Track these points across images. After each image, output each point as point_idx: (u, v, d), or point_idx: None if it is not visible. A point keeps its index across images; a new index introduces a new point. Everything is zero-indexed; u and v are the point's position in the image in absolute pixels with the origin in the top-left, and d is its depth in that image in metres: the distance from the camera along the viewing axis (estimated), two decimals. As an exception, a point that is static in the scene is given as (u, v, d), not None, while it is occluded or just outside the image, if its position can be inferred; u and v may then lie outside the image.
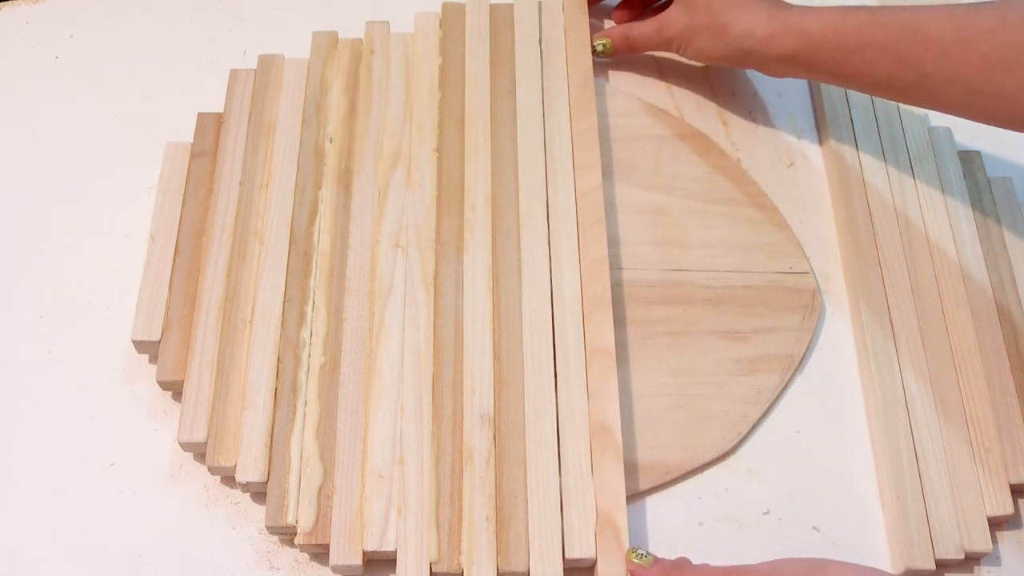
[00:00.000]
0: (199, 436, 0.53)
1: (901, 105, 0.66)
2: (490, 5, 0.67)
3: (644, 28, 0.65)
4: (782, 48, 0.58)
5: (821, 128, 0.67)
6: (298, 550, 0.53)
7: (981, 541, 0.53)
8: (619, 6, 0.69)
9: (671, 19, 0.63)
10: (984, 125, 0.55)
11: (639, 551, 0.50)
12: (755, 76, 0.69)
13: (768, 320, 0.59)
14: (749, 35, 0.59)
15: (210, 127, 0.63)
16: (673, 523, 0.54)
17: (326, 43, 0.65)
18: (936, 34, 0.53)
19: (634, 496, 0.54)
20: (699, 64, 0.69)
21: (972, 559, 0.54)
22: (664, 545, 0.53)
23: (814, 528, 0.54)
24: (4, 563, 0.53)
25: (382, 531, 0.51)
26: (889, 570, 0.53)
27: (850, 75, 0.57)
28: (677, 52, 0.65)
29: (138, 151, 0.64)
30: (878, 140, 0.65)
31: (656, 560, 0.50)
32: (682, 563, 0.50)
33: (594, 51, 0.66)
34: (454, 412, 0.54)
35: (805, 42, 0.57)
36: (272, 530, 0.52)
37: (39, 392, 0.57)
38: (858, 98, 0.66)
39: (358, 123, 0.62)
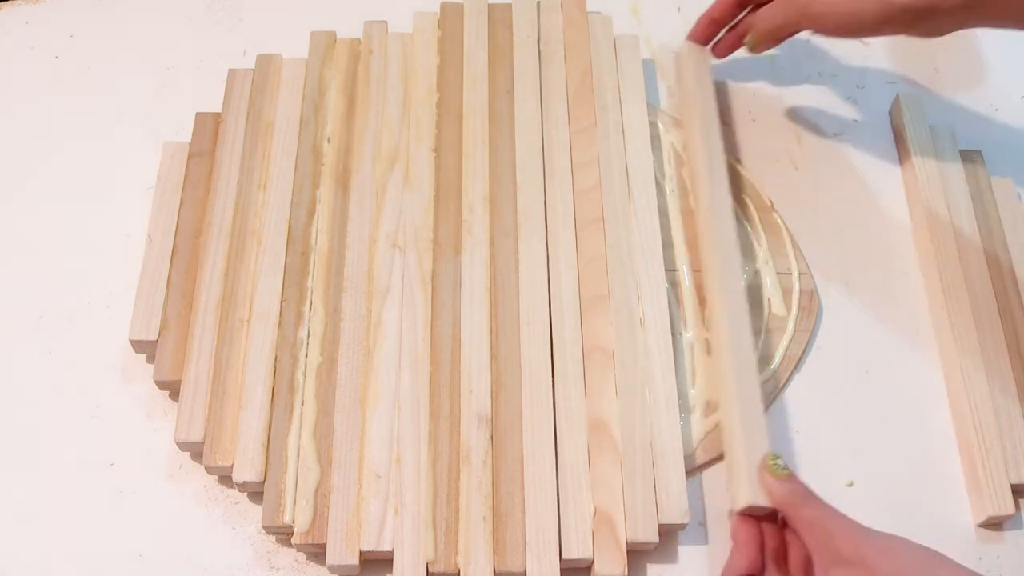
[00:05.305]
0: (196, 436, 0.53)
1: (903, 104, 0.66)
2: (488, 5, 0.67)
3: (773, 6, 0.59)
4: None
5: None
6: (297, 550, 0.53)
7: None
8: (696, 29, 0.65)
9: None
10: (985, 124, 0.54)
11: (780, 461, 0.48)
12: (754, 76, 0.69)
13: (766, 320, 0.59)
14: None
15: (208, 127, 0.63)
16: (672, 523, 0.54)
17: (324, 43, 0.65)
18: None
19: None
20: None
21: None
22: (665, 544, 0.53)
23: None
24: (4, 563, 0.53)
25: (379, 531, 0.51)
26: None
27: None
28: (810, 27, 0.57)
29: (138, 151, 0.65)
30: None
31: (792, 476, 0.48)
32: (808, 494, 0.47)
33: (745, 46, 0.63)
34: (451, 412, 0.54)
35: None
36: (269, 530, 0.52)
37: (39, 392, 0.57)
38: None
39: (356, 123, 0.62)
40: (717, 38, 0.65)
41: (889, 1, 0.53)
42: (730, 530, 0.49)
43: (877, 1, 0.53)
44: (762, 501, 0.49)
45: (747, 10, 0.63)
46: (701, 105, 0.63)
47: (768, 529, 0.49)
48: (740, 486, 0.50)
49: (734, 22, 0.64)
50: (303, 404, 0.54)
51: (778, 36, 0.60)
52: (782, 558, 0.48)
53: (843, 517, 0.46)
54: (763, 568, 0.48)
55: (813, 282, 0.61)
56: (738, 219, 0.63)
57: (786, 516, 0.48)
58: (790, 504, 0.47)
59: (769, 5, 0.60)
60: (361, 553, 0.51)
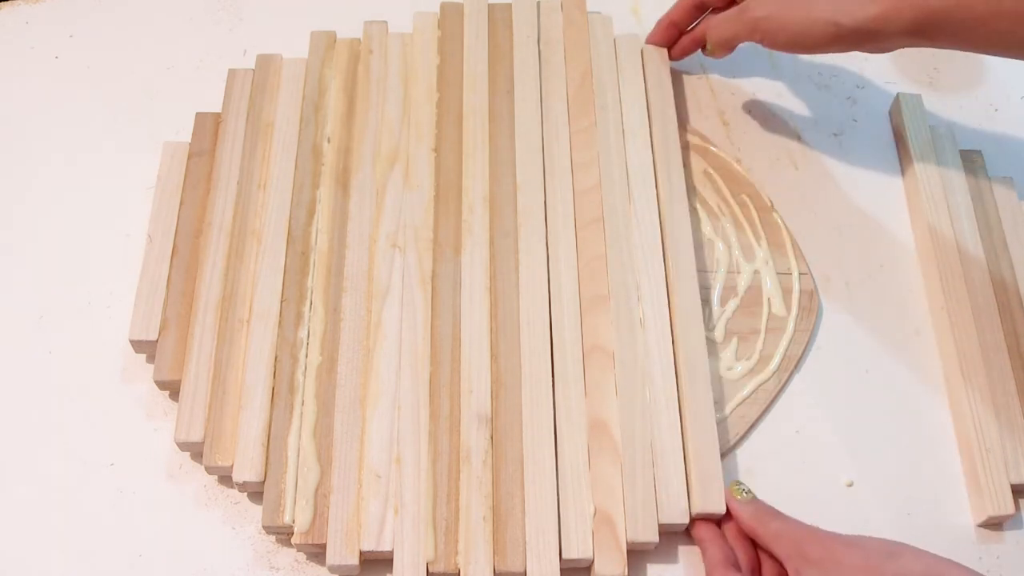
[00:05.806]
0: (196, 436, 0.53)
1: (902, 104, 0.66)
2: (488, 5, 0.67)
3: (727, 15, 0.60)
4: (899, 25, 0.53)
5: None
6: (297, 550, 0.53)
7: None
8: (655, 32, 0.66)
9: (756, 2, 0.58)
10: (985, 124, 0.54)
11: (743, 486, 0.52)
12: (754, 75, 0.69)
13: (766, 320, 0.59)
14: (856, 13, 0.54)
15: (208, 126, 0.63)
16: (672, 523, 0.54)
17: (324, 43, 0.65)
18: None
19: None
20: (698, 64, 0.68)
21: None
22: (665, 544, 0.53)
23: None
24: (5, 563, 0.53)
25: (379, 531, 0.51)
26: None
27: (979, 43, 0.53)
28: (761, 40, 0.58)
29: (138, 151, 0.65)
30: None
31: (755, 498, 0.52)
32: (773, 510, 0.51)
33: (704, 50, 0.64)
34: (451, 412, 0.54)
35: (925, 15, 0.52)
36: (269, 530, 0.52)
37: (39, 392, 0.57)
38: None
39: (356, 123, 0.62)
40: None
41: (838, 22, 0.54)
42: (693, 537, 0.52)
43: (826, 21, 0.55)
44: (711, 508, 0.52)
45: (706, 13, 0.64)
46: (660, 107, 0.63)
47: (740, 546, 0.51)
48: (692, 495, 0.52)
49: (692, 26, 0.65)
50: (303, 404, 0.54)
51: (730, 45, 0.62)
52: (756, 572, 0.51)
53: (807, 525, 0.50)
54: (735, 557, 0.51)
55: (813, 282, 0.61)
56: (734, 220, 0.63)
57: (755, 533, 0.51)
58: (757, 522, 0.51)
59: (724, 15, 0.61)
60: (361, 553, 0.51)
